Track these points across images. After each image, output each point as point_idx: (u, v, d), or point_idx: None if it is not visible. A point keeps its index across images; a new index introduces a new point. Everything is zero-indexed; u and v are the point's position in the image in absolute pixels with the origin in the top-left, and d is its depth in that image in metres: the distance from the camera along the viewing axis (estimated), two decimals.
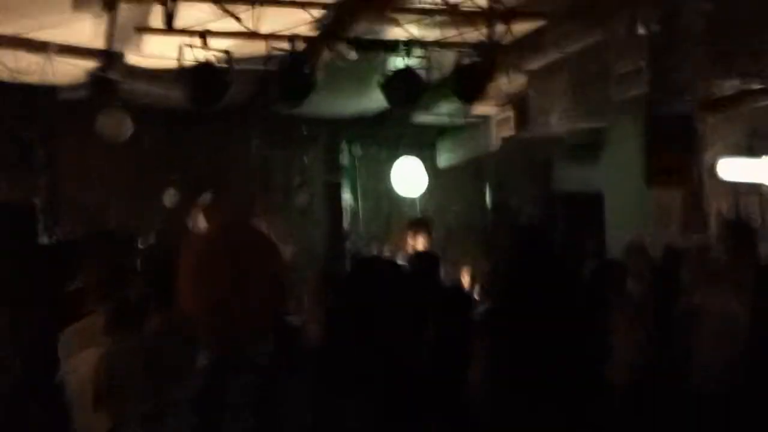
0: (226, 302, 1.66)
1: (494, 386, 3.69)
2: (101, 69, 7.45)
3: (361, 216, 10.91)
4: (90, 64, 7.42)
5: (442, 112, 9.37)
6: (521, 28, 6.10)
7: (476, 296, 6.37)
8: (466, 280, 7.48)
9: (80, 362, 3.83)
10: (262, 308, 1.71)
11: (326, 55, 6.00)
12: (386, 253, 8.15)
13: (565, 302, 3.76)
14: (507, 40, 5.77)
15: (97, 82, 7.92)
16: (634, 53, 6.24)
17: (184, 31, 4.90)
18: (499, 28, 5.73)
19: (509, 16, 5.45)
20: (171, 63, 5.97)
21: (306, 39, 5.89)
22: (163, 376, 2.93)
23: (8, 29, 6.37)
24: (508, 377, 3.65)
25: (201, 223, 7.09)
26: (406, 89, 5.72)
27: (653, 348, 4.72)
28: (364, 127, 10.26)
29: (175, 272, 3.51)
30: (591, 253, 8.97)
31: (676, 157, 8.66)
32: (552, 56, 7.15)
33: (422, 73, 5.81)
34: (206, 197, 9.64)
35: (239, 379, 1.68)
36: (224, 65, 5.08)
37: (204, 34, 4.94)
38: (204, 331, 1.70)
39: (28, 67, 6.90)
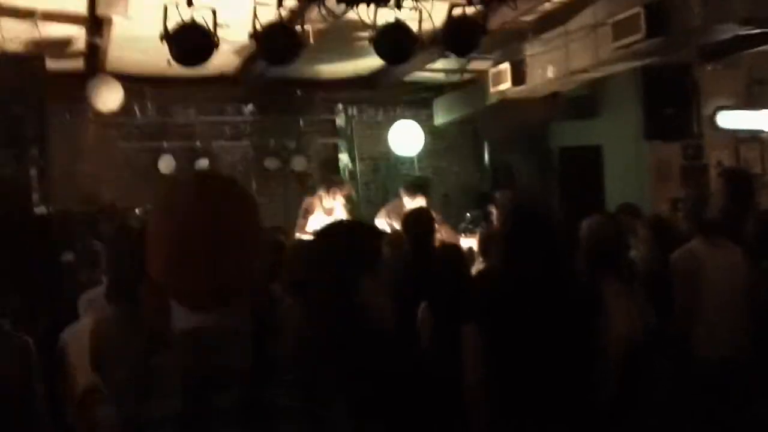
0: (199, 264, 1.53)
1: (491, 350, 3.63)
2: (88, 35, 7.34)
3: (359, 178, 10.84)
4: (77, 31, 7.32)
5: (438, 69, 9.27)
6: None
7: (475, 258, 6.32)
8: (464, 241, 7.44)
9: (77, 329, 3.86)
10: (241, 271, 1.58)
11: (315, 12, 5.88)
12: (382, 214, 8.07)
13: (563, 269, 3.70)
14: None
15: (85, 49, 7.82)
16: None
17: None
18: None
19: None
20: (158, 26, 5.87)
21: None
22: (147, 344, 2.89)
23: None
24: (505, 341, 3.59)
25: None
26: (397, 44, 5.61)
27: (653, 308, 4.64)
28: (360, 88, 10.13)
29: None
30: (589, 208, 8.91)
31: (675, 109, 8.58)
32: (547, 6, 7.03)
33: (413, 26, 5.69)
34: (203, 164, 9.58)
35: (222, 350, 1.56)
36: (210, 24, 4.96)
37: None
38: (178, 298, 1.58)
39: (15, 36, 6.80)
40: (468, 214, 8.49)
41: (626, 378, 4.12)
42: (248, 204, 1.63)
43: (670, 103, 8.55)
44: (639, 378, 4.53)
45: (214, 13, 5.00)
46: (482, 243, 6.13)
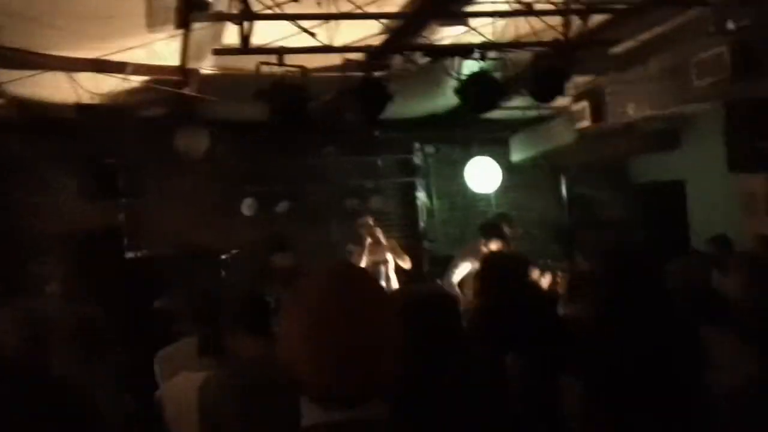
0: (341, 359, 1.57)
1: (588, 395, 3.58)
2: (177, 87, 7.55)
3: (436, 215, 10.87)
4: (166, 83, 7.54)
5: (515, 106, 9.26)
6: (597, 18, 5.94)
7: (558, 297, 6.25)
8: (545, 280, 7.37)
9: (174, 386, 3.88)
10: (378, 367, 1.62)
11: (399, 62, 5.97)
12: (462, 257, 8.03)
13: (657, 308, 3.61)
14: (583, 35, 5.64)
15: (173, 100, 8.05)
16: (716, 39, 6.05)
17: (260, 50, 4.89)
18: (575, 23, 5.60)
19: (585, 11, 5.32)
20: (246, 77, 6.02)
21: (379, 48, 5.87)
22: (260, 416, 2.92)
23: (88, 54, 6.50)
24: (601, 386, 3.54)
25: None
26: (482, 93, 5.65)
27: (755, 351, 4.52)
28: (437, 127, 10.19)
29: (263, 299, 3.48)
30: (675, 244, 8.77)
31: (762, 140, 8.39)
32: (628, 44, 6.99)
33: (498, 75, 5.73)
34: (284, 206, 9.74)
35: None
36: (301, 82, 5.08)
37: (280, 52, 4.93)
38: (314, 390, 1.62)
39: (108, 89, 7.04)
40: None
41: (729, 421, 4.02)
42: (383, 299, 1.68)
43: (756, 134, 8.37)
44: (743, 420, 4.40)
45: (303, 70, 5.11)
46: (571, 285, 6.06)
